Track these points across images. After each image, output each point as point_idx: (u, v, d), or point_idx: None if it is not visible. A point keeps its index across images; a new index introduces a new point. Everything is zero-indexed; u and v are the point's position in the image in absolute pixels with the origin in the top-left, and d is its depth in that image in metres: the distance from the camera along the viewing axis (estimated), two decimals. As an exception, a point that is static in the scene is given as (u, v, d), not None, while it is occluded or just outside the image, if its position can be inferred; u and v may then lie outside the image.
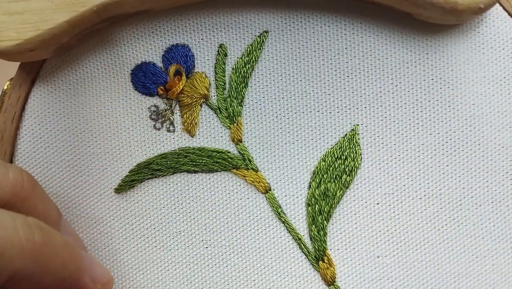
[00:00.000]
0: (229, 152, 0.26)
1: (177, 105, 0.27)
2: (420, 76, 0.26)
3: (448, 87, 0.26)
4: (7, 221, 0.20)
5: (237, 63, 0.26)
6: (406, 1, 0.24)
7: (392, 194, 0.26)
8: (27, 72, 0.26)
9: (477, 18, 0.25)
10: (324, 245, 0.26)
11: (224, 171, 0.26)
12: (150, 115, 0.27)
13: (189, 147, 0.27)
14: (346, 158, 0.26)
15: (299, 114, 0.26)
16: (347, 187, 0.26)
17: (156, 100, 0.27)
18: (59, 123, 0.27)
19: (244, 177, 0.26)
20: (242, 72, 0.26)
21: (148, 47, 0.26)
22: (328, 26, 0.26)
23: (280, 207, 0.26)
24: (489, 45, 0.25)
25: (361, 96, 0.26)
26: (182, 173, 0.27)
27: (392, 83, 0.26)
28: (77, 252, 0.23)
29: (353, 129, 0.26)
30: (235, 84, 0.26)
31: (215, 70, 0.26)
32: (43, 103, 0.27)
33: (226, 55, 0.26)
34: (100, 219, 0.27)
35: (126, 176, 0.27)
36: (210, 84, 0.26)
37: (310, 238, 0.26)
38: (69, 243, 0.22)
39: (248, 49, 0.26)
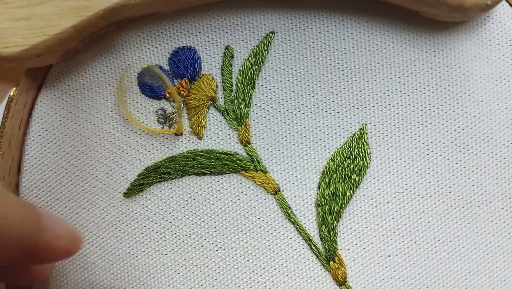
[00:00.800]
0: (237, 154, 0.26)
1: (184, 108, 0.27)
2: (428, 74, 0.26)
3: (456, 85, 0.26)
4: None
5: (244, 65, 0.26)
6: (412, -1, 0.24)
7: (402, 192, 0.26)
8: (33, 78, 0.26)
9: (484, 15, 0.25)
10: (334, 245, 0.26)
11: (233, 173, 0.26)
12: (158, 118, 0.26)
13: (197, 150, 0.26)
14: (355, 158, 0.26)
15: (307, 115, 0.26)
16: (356, 187, 0.26)
17: (163, 104, 0.26)
18: (66, 129, 0.27)
19: (253, 178, 0.26)
20: (249, 74, 0.26)
21: (154, 51, 0.26)
22: (335, 25, 0.26)
23: (289, 208, 0.26)
24: (496, 42, 0.25)
25: (368, 95, 0.26)
26: (191, 176, 0.27)
27: (399, 82, 0.26)
28: (35, 211, 0.22)
29: (361, 129, 0.26)
30: (242, 85, 0.26)
31: (222, 72, 0.26)
32: (50, 109, 0.27)
33: (232, 56, 0.26)
34: (110, 223, 0.27)
35: (135, 179, 0.27)
36: (217, 86, 0.26)
37: (321, 238, 0.26)
38: (25, 203, 0.22)
39: (255, 50, 0.26)
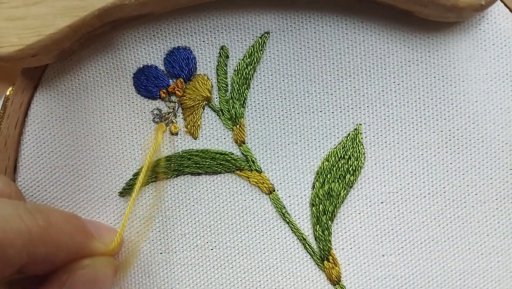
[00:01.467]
0: (232, 154, 0.26)
1: (180, 108, 0.27)
2: (422, 75, 0.26)
3: (451, 85, 0.26)
4: (9, 212, 0.21)
5: (239, 65, 0.26)
6: None
7: (396, 192, 0.26)
8: (29, 77, 0.27)
9: (478, 15, 0.25)
10: (329, 244, 0.26)
11: (228, 172, 0.27)
12: (153, 118, 0.27)
13: (193, 149, 0.27)
14: (349, 158, 0.26)
15: (301, 115, 0.26)
16: (351, 187, 0.26)
17: (158, 104, 0.27)
18: (62, 128, 0.27)
19: (248, 178, 0.26)
20: (244, 74, 0.26)
21: (150, 51, 0.26)
22: (329, 26, 0.26)
23: (284, 207, 0.26)
24: (491, 42, 0.25)
25: (363, 96, 0.26)
26: (186, 175, 0.27)
27: (394, 82, 0.26)
28: (80, 222, 0.24)
29: (356, 129, 0.26)
30: (237, 86, 0.26)
31: (217, 72, 0.26)
32: (46, 109, 0.27)
33: (227, 57, 0.26)
34: (105, 222, 0.27)
35: (130, 179, 0.27)
36: (212, 86, 0.26)
37: (315, 238, 0.26)
38: (70, 216, 0.23)
39: (250, 50, 0.26)
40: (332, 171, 0.26)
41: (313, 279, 0.26)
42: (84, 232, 0.23)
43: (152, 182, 0.27)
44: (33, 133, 0.27)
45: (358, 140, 0.26)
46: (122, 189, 0.27)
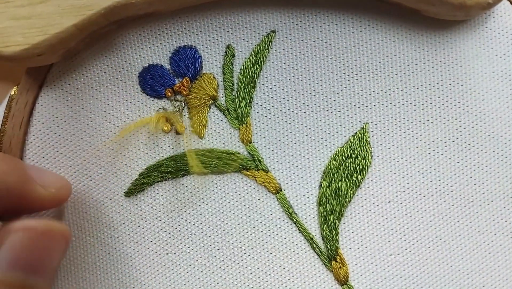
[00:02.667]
0: (238, 153, 0.26)
1: (186, 107, 0.27)
2: (429, 73, 0.26)
3: (457, 83, 0.25)
4: None
5: (245, 64, 0.26)
6: (414, -2, 0.24)
7: (404, 191, 0.26)
8: (34, 77, 0.26)
9: (485, 13, 0.25)
10: (336, 244, 0.26)
11: (234, 172, 0.26)
12: (159, 117, 0.26)
13: (199, 149, 0.26)
14: (356, 157, 0.26)
15: (308, 114, 0.26)
16: (358, 186, 0.26)
17: (164, 103, 0.26)
18: (67, 128, 0.26)
19: (255, 177, 0.26)
20: (250, 73, 0.26)
21: (155, 50, 0.26)
22: (336, 24, 0.26)
23: (291, 207, 0.26)
24: (498, 40, 0.25)
25: (370, 94, 0.26)
26: (192, 175, 0.26)
27: (401, 81, 0.26)
28: (19, 163, 0.23)
29: (363, 128, 0.26)
30: (243, 85, 0.26)
31: (223, 71, 0.26)
32: (51, 108, 0.26)
33: (233, 55, 0.26)
34: (111, 223, 0.27)
35: (136, 179, 0.27)
36: (218, 85, 0.26)
37: (322, 237, 0.26)
38: (9, 157, 0.23)
39: (256, 49, 0.26)
40: (339, 170, 0.26)
41: (320, 279, 0.26)
42: (21, 173, 0.22)
43: (157, 181, 0.27)
44: (38, 133, 0.27)
45: (365, 139, 0.26)
46: (128, 189, 0.27)
